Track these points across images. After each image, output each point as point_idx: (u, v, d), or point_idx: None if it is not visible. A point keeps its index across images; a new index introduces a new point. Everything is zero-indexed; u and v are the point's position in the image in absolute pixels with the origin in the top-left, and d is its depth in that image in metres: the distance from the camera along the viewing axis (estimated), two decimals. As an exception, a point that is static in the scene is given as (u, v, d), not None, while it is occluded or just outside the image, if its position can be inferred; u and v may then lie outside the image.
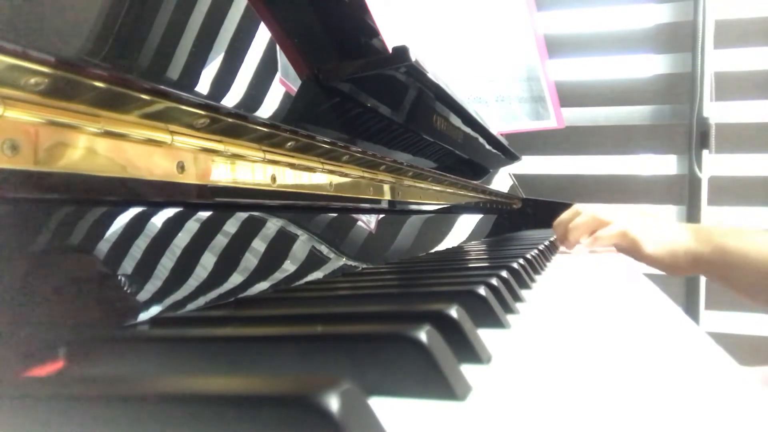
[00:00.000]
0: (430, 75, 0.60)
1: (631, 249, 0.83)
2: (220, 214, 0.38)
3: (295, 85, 0.46)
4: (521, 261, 0.51)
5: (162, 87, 0.31)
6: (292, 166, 0.46)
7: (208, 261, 0.36)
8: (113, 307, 0.29)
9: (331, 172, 0.52)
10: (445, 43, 1.29)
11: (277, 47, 0.44)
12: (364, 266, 0.56)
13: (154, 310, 0.31)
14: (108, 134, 0.28)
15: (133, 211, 0.31)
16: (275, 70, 0.44)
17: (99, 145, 0.28)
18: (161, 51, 0.32)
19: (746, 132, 1.59)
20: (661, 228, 0.84)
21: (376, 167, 0.62)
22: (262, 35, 0.42)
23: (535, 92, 1.40)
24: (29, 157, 0.25)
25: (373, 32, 0.55)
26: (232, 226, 0.39)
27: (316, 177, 0.50)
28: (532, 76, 1.41)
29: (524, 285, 0.47)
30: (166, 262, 0.33)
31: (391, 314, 0.29)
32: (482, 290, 0.32)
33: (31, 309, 0.24)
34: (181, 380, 0.17)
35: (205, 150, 0.36)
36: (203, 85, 0.35)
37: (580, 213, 0.86)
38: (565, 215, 0.88)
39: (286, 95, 0.45)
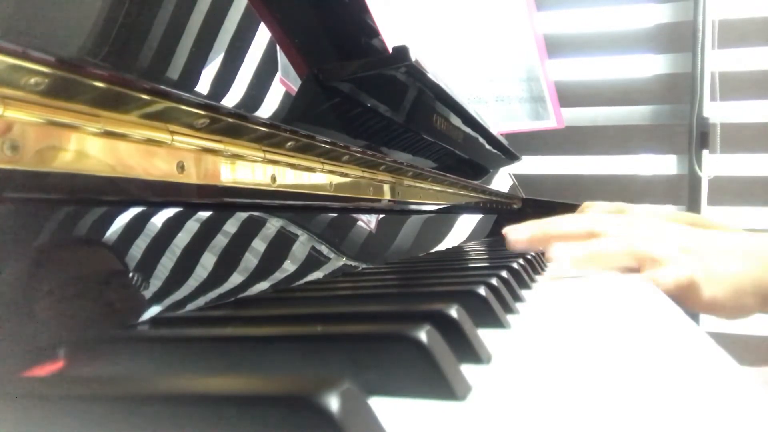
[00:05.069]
0: (430, 75, 0.60)
1: (682, 296, 0.54)
2: (220, 214, 0.38)
3: (295, 85, 0.46)
4: (521, 261, 0.51)
5: (162, 87, 0.31)
6: (292, 166, 0.45)
7: (208, 261, 0.36)
8: (113, 307, 0.29)
9: (331, 172, 0.52)
10: (445, 43, 1.29)
11: (277, 47, 0.44)
12: (364, 266, 0.56)
13: (154, 310, 0.31)
14: (108, 134, 0.28)
15: (132, 211, 0.31)
16: (275, 70, 0.44)
17: (99, 145, 0.28)
18: (161, 51, 0.32)
19: (746, 132, 1.59)
20: (721, 248, 0.54)
21: (376, 167, 0.62)
22: (262, 35, 0.42)
23: (535, 92, 1.40)
24: (29, 157, 0.25)
25: (373, 32, 0.55)
26: (232, 226, 0.39)
27: (316, 177, 0.50)
28: (532, 76, 1.41)
29: (524, 285, 0.47)
30: (166, 262, 0.33)
31: (391, 314, 0.29)
32: (482, 290, 0.32)
33: (31, 309, 0.24)
34: (181, 380, 0.17)
35: (205, 150, 0.36)
36: (203, 85, 0.35)
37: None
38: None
39: (286, 95, 0.45)
